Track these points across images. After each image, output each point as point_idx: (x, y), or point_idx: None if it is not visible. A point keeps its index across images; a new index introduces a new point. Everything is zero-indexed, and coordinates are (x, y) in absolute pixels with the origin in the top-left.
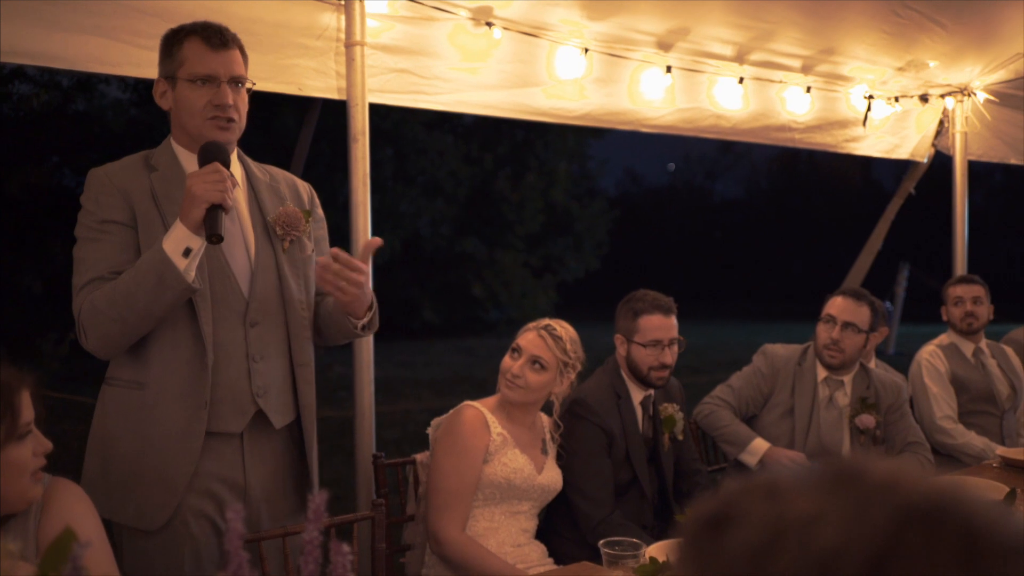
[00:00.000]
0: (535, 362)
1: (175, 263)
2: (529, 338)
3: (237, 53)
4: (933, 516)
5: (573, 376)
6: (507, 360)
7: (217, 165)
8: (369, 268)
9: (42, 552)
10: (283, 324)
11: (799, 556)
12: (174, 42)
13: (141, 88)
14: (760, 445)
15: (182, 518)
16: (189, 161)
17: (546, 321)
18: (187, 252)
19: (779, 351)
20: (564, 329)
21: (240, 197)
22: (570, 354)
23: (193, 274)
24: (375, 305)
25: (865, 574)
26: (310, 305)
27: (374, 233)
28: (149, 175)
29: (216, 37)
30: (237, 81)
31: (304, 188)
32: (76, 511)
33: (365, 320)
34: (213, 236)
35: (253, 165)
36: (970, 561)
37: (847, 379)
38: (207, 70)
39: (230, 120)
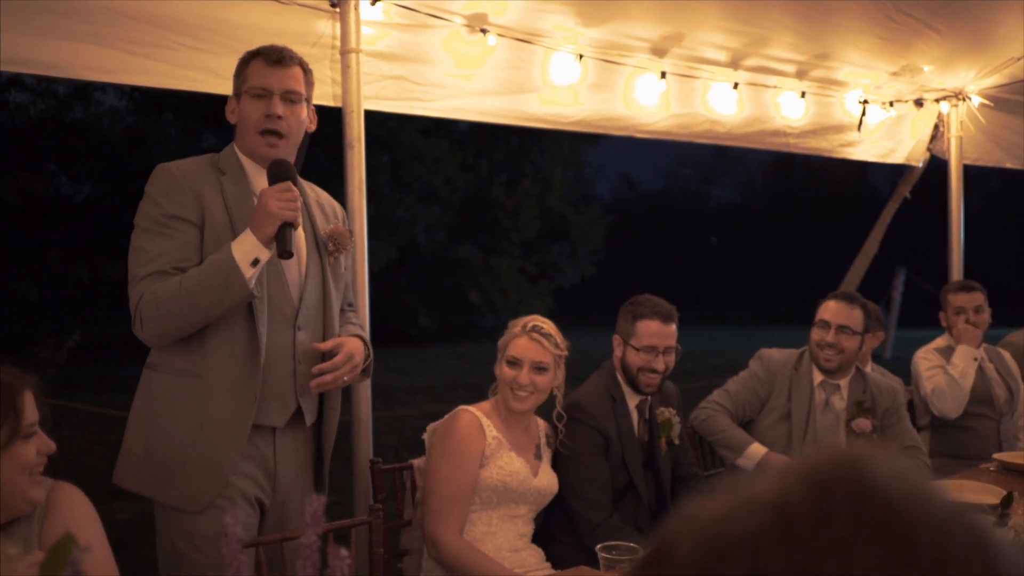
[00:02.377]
0: (537, 367)
1: (243, 271)
2: (523, 345)
3: (297, 70)
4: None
5: (563, 365)
6: (507, 371)
7: (289, 184)
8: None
9: (43, 547)
10: (321, 331)
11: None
12: (242, 64)
13: (138, 96)
14: (757, 450)
15: (228, 497)
16: (252, 169)
17: (527, 323)
18: (255, 263)
19: (775, 356)
20: (546, 324)
21: None
22: (560, 346)
23: (254, 282)
24: (370, 354)
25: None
26: (339, 316)
27: (370, 240)
28: (219, 178)
29: (275, 54)
30: (291, 96)
31: (340, 210)
32: (79, 515)
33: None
34: (284, 252)
35: (301, 181)
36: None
37: (843, 383)
38: (263, 83)
39: (279, 136)
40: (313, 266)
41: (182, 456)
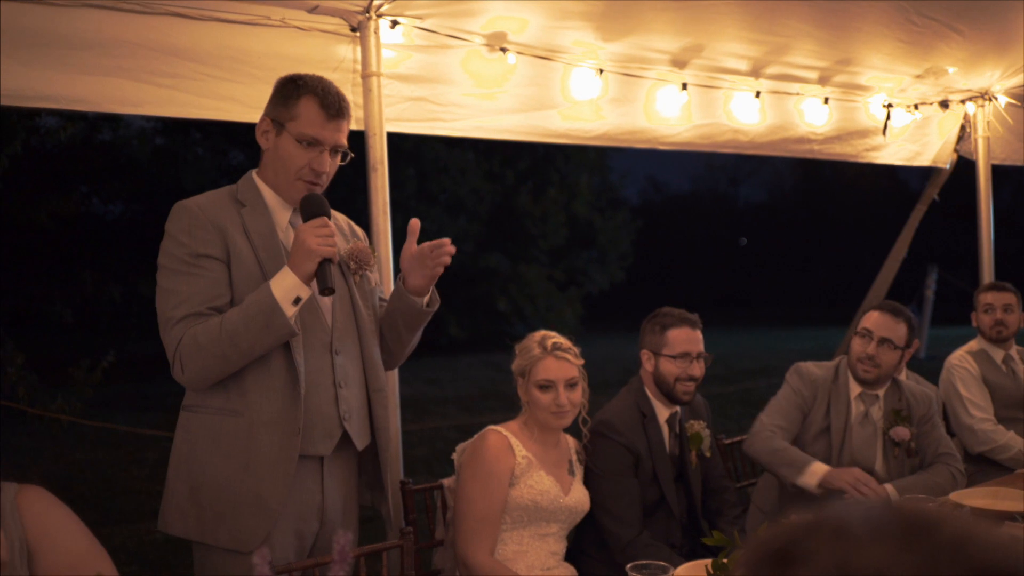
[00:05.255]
0: (570, 384)
1: (284, 311)
2: (552, 367)
3: (346, 122)
4: None
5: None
6: (542, 397)
7: (325, 220)
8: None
9: (32, 556)
10: (359, 353)
11: None
12: (293, 92)
13: (166, 117)
14: (819, 468)
15: (270, 539)
16: (274, 202)
17: (545, 343)
18: (296, 301)
19: (814, 370)
20: (560, 338)
21: None
22: (580, 356)
23: (295, 320)
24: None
25: None
26: (377, 334)
27: (398, 253)
28: (239, 211)
29: (334, 106)
30: (338, 148)
31: (358, 229)
32: (55, 514)
33: (429, 296)
34: (327, 289)
35: None
36: None
37: (880, 393)
38: (316, 136)
39: (318, 184)
40: (340, 288)
41: (230, 496)
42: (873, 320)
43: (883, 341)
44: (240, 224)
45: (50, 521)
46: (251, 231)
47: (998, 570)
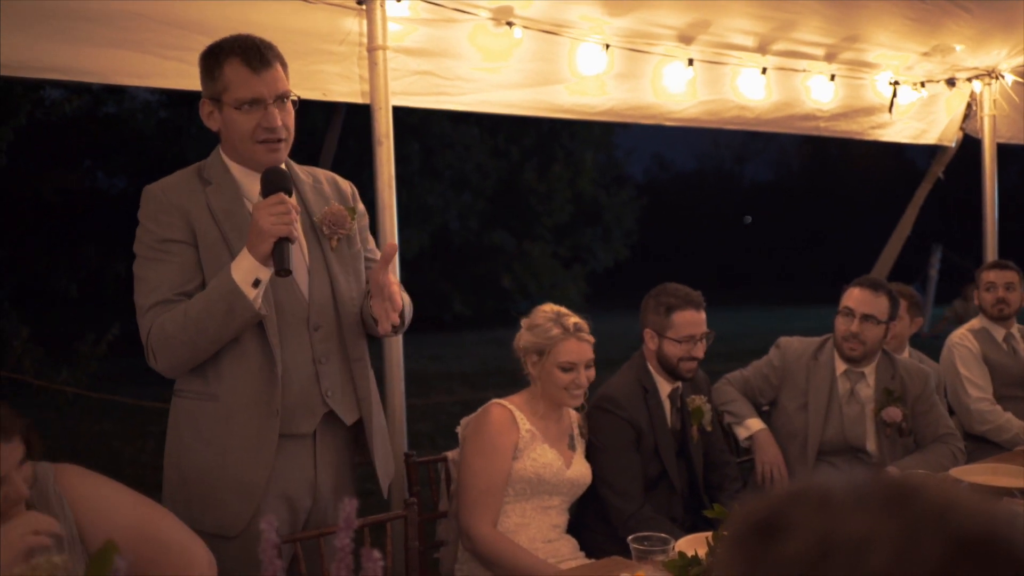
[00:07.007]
0: (588, 365)
1: (245, 293)
2: (574, 349)
3: (279, 68)
4: (986, 546)
5: None
6: (562, 377)
7: (282, 196)
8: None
9: (87, 541)
10: (337, 324)
11: None
12: (214, 64)
13: (171, 90)
14: (755, 423)
15: (263, 517)
16: (241, 175)
17: (566, 323)
18: (256, 283)
19: (794, 344)
20: (578, 318)
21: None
22: (592, 334)
23: (260, 301)
24: (406, 305)
25: None
26: (359, 301)
27: (402, 228)
28: (204, 189)
29: (256, 58)
30: (282, 97)
31: (346, 185)
32: (101, 493)
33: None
34: (281, 271)
35: (296, 168)
36: None
37: (868, 370)
38: (252, 94)
39: (280, 140)
40: (315, 258)
41: (212, 481)
42: (854, 297)
43: (866, 318)
44: (204, 203)
45: (98, 500)
46: (215, 209)
47: (980, 537)
